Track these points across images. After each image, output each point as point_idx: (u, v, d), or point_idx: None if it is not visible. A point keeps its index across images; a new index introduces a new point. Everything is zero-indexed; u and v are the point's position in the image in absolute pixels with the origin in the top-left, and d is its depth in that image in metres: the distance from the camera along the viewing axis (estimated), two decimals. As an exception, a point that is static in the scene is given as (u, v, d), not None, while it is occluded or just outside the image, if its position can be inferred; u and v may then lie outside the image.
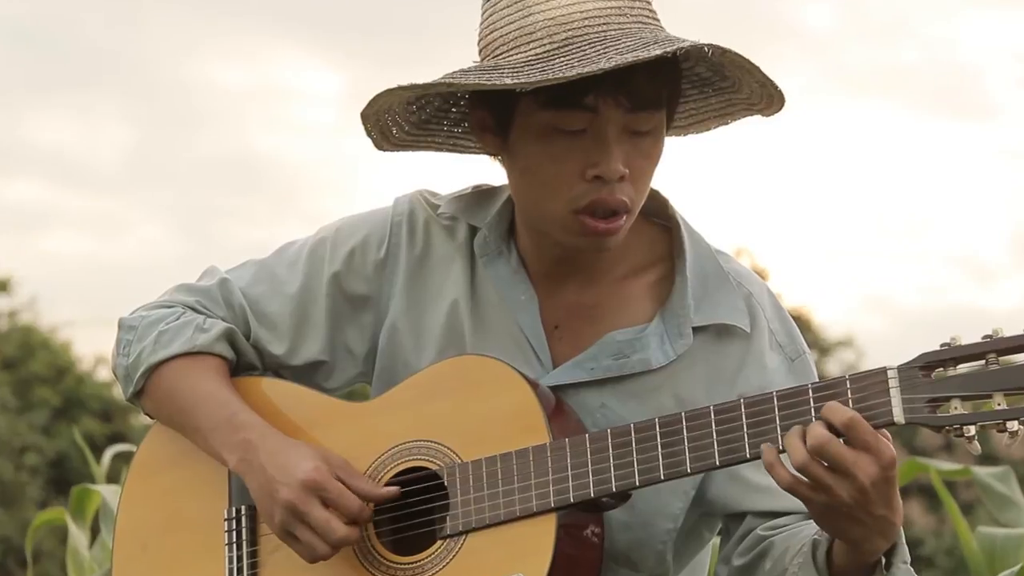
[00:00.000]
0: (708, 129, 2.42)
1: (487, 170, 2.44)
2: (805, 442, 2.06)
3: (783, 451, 2.10)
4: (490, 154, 2.39)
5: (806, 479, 2.08)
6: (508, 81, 2.17)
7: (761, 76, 2.24)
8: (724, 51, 2.20)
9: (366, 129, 2.36)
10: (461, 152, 2.46)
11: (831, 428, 2.06)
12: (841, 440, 2.05)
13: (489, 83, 2.20)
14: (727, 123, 2.40)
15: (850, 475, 2.05)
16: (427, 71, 2.26)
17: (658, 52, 2.14)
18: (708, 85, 2.36)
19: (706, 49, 2.20)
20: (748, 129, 2.43)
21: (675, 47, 2.15)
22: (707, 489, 2.37)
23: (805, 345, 2.43)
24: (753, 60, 2.22)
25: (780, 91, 2.27)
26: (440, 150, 2.46)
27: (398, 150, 2.43)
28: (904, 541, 2.17)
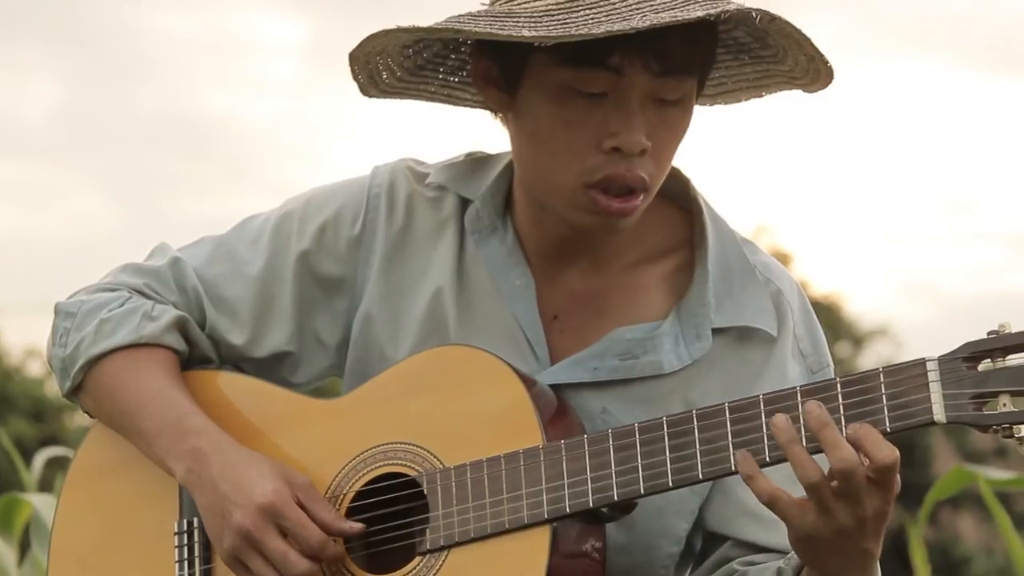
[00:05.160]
0: (739, 100, 2.43)
1: (480, 134, 2.45)
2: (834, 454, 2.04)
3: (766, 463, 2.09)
4: (492, 110, 2.38)
5: (804, 500, 2.07)
6: (526, 33, 2.15)
7: (811, 49, 2.24)
8: (773, 18, 2.20)
9: (353, 72, 2.35)
10: (455, 104, 2.45)
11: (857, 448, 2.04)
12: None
13: (503, 33, 2.18)
14: (761, 95, 2.41)
15: (857, 504, 2.06)
16: (413, 18, 2.23)
17: (699, 14, 2.13)
18: (746, 52, 2.35)
19: (753, 15, 2.19)
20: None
21: (719, 9, 2.14)
22: None
23: (830, 357, 2.44)
24: (804, 31, 2.22)
25: (830, 67, 2.26)
26: (433, 100, 2.45)
27: (386, 97, 2.42)
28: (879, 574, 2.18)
